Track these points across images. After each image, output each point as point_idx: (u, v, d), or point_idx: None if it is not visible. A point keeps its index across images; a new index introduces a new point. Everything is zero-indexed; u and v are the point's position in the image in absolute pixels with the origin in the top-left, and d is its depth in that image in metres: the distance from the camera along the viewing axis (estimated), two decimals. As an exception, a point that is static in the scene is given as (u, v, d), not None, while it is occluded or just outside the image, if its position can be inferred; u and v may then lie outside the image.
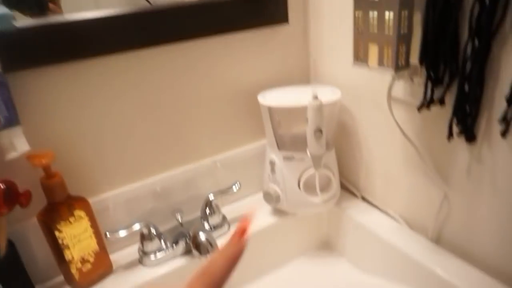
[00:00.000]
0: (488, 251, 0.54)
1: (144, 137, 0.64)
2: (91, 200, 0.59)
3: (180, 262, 0.63)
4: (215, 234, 0.67)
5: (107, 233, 0.59)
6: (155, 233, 0.63)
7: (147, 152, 0.66)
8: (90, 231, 0.58)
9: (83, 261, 0.58)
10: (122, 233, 0.59)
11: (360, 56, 0.49)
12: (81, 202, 0.56)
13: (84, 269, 0.58)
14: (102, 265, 0.60)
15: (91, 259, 0.59)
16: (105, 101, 0.59)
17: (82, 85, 0.57)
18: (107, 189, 0.63)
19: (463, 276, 0.54)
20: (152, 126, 0.64)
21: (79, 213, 0.56)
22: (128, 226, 0.60)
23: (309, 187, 0.68)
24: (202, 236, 0.60)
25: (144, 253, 0.63)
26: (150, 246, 0.63)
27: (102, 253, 0.60)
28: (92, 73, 0.57)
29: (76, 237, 0.56)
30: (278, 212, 0.72)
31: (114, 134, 0.61)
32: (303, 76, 0.77)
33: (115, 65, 0.58)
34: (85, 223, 0.57)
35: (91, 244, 0.58)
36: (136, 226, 0.61)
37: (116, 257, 0.65)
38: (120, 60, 0.58)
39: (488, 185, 0.51)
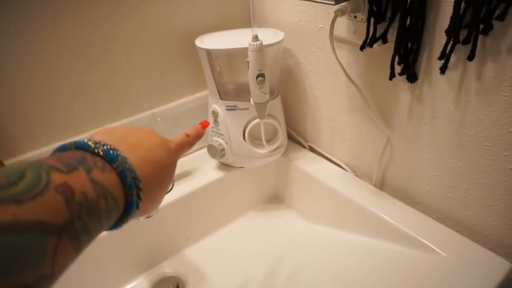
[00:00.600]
0: (428, 193, 0.56)
1: (70, 89, 0.57)
2: (8, 162, 0.52)
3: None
4: (157, 192, 0.64)
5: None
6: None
7: (76, 107, 0.59)
8: (9, 195, 0.51)
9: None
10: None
11: (299, -12, 0.45)
12: (-7, 164, 0.50)
13: None
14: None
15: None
16: (19, 46, 0.51)
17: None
18: (28, 150, 0.56)
19: (404, 218, 0.55)
20: (78, 76, 0.57)
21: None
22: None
23: (254, 138, 0.66)
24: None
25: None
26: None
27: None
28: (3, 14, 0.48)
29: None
30: (224, 166, 0.70)
31: (32, 85, 0.53)
32: (244, 19, 0.72)
33: (26, 2, 0.49)
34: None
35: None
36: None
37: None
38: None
39: (427, 127, 0.51)
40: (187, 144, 0.37)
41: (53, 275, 0.20)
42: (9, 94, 0.52)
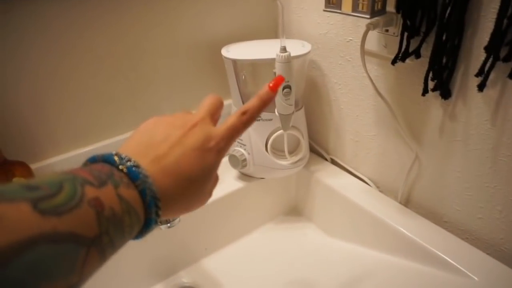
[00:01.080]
0: (458, 213, 0.54)
1: (95, 96, 0.57)
2: (33, 167, 0.53)
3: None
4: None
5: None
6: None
7: (99, 113, 0.59)
8: (33, 200, 0.51)
9: (27, 233, 0.52)
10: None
11: (333, 1, 0.44)
12: (20, 167, 0.50)
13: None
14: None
15: (37, 231, 0.53)
16: (45, 51, 0.51)
17: (13, 30, 0.48)
18: (52, 154, 0.56)
19: (431, 237, 0.53)
20: (102, 84, 0.57)
21: (19, 179, 0.49)
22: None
23: (277, 150, 0.65)
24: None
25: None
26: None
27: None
28: (26, 16, 0.48)
29: (17, 207, 0.50)
30: (244, 177, 0.69)
31: (58, 91, 0.54)
32: (271, 29, 0.71)
33: (53, 8, 0.50)
34: (26, 191, 0.50)
35: (36, 214, 0.52)
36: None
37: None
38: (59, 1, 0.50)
39: (460, 145, 0.49)
40: (242, 127, 0.30)
41: (79, 285, 0.21)
42: (34, 99, 0.52)
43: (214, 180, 0.32)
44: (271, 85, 0.31)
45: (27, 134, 0.53)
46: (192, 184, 0.29)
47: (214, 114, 0.32)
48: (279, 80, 0.31)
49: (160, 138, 0.29)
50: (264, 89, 0.31)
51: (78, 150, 0.58)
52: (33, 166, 0.53)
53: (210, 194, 0.33)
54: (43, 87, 0.52)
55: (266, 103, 0.31)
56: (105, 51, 0.56)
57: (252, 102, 0.30)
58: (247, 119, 0.30)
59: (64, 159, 0.57)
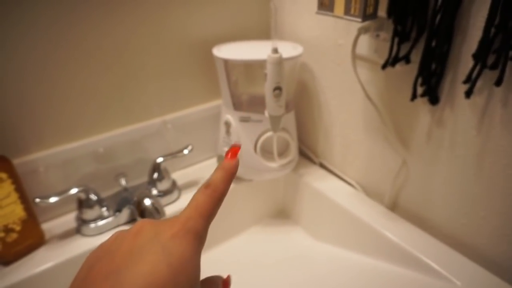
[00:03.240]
0: (443, 218, 0.54)
1: (82, 91, 0.56)
2: (16, 162, 0.51)
3: (123, 230, 0.57)
4: (164, 200, 0.62)
5: (37, 199, 0.51)
6: (95, 199, 0.56)
7: (86, 109, 0.58)
8: (14, 196, 0.50)
9: (7, 230, 0.50)
10: (53, 199, 0.52)
11: (325, 3, 0.44)
12: (0, 162, 0.48)
13: (9, 239, 0.51)
14: (31, 235, 0.53)
15: (18, 228, 0.51)
16: (33, 43, 0.50)
17: (0, 22, 0.47)
18: (36, 149, 0.55)
19: (415, 241, 0.53)
20: (90, 79, 0.56)
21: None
22: (63, 192, 0.53)
23: (266, 152, 0.65)
24: (148, 202, 0.55)
25: (82, 221, 0.57)
26: (89, 213, 0.56)
27: (31, 222, 0.53)
28: (14, 8, 0.47)
29: (-3, 202, 0.48)
30: (233, 178, 0.68)
31: (44, 84, 0.53)
32: (262, 30, 0.71)
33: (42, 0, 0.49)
34: (7, 186, 0.49)
35: (17, 211, 0.51)
36: (72, 191, 0.54)
37: (50, 226, 0.58)
38: (48, -4, 0.49)
39: (446, 151, 0.50)
40: (210, 201, 0.24)
41: None
42: (19, 94, 0.51)
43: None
44: (228, 155, 0.26)
45: (10, 127, 0.52)
46: None
47: (205, 216, 0.24)
48: (235, 149, 0.27)
49: (106, 271, 0.20)
50: (224, 159, 0.26)
51: (63, 146, 0.57)
52: (15, 161, 0.52)
53: None
54: (29, 80, 0.51)
55: (230, 172, 0.25)
56: (93, 46, 0.55)
57: (215, 174, 0.25)
58: (212, 193, 0.24)
59: (48, 155, 0.56)
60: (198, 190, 0.25)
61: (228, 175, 0.25)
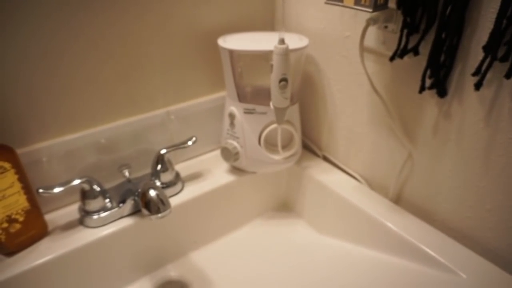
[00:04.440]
0: (448, 211, 0.54)
1: (86, 80, 0.55)
2: (20, 151, 0.51)
3: (127, 222, 0.57)
4: (167, 192, 0.62)
5: (40, 189, 0.51)
6: (98, 190, 0.56)
7: (90, 99, 0.57)
8: (18, 186, 0.50)
9: (11, 220, 0.50)
10: (57, 190, 0.51)
11: (335, -7, 0.44)
12: (4, 152, 0.48)
13: (12, 230, 0.50)
14: (35, 226, 0.53)
15: (21, 219, 0.51)
16: (36, 31, 0.49)
17: (2, 8, 0.46)
18: (40, 139, 0.54)
19: (420, 234, 0.53)
20: (94, 68, 0.56)
21: (3, 164, 0.47)
22: (67, 182, 0.53)
23: (270, 144, 0.64)
24: (153, 193, 0.54)
25: (85, 213, 0.56)
26: (92, 204, 0.56)
27: (35, 212, 0.52)
28: (15, -4, 0.46)
29: (1, 192, 0.48)
30: (235, 170, 0.68)
31: (47, 73, 0.52)
32: (267, 22, 0.71)
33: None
34: (11, 176, 0.48)
35: (20, 201, 0.50)
36: (76, 182, 0.53)
37: (53, 217, 0.58)
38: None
39: (453, 144, 0.50)
40: None
41: None
42: (22, 84, 0.50)
43: None
44: None
45: (14, 117, 0.51)
46: None
47: None
48: None
49: None
50: None
51: (66, 136, 0.56)
52: (19, 151, 0.51)
53: None
54: (33, 69, 0.51)
55: None
56: (98, 34, 0.54)
57: None
58: None
59: (51, 145, 0.55)
60: None
61: None
